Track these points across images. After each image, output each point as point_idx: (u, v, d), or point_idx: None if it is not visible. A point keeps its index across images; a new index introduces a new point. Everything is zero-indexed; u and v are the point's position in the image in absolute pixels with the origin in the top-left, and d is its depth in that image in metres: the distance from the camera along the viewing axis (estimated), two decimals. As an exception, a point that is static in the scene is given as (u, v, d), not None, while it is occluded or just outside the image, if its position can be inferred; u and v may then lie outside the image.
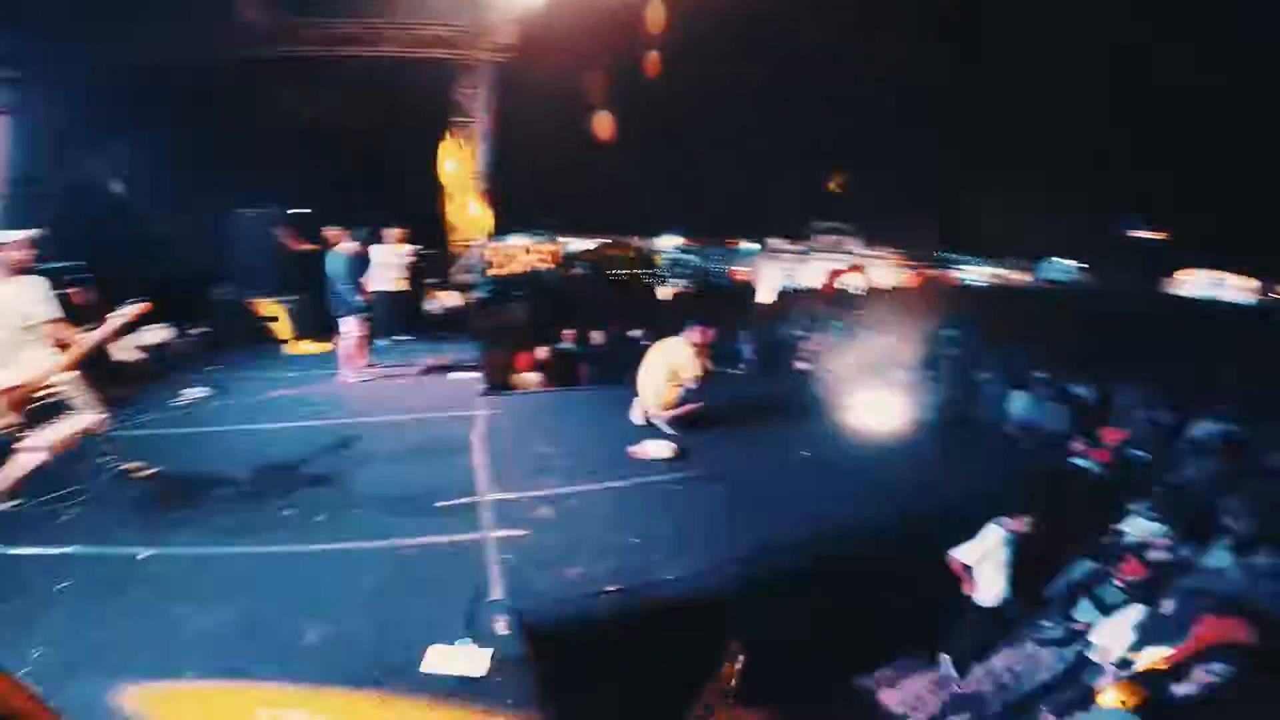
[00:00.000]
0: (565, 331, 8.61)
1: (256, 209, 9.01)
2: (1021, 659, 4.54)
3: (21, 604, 2.81)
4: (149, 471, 4.10)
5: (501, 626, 2.77)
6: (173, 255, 9.27)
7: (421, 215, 9.95)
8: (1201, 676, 2.88)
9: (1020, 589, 4.32)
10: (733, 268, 25.68)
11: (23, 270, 3.65)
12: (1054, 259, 30.18)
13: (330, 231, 8.14)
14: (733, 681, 3.31)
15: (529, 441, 5.04)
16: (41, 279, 3.76)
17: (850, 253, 26.17)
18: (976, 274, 28.62)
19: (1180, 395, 7.36)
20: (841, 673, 4.23)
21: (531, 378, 7.65)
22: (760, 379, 8.49)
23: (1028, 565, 4.32)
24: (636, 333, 9.32)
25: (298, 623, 2.73)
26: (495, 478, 4.27)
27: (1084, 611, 4.50)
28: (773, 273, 25.34)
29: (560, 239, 22.90)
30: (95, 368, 6.38)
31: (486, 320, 10.19)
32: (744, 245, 25.93)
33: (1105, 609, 4.17)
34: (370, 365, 7.04)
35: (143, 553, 3.23)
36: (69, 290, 6.99)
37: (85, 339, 3.91)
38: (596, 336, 8.81)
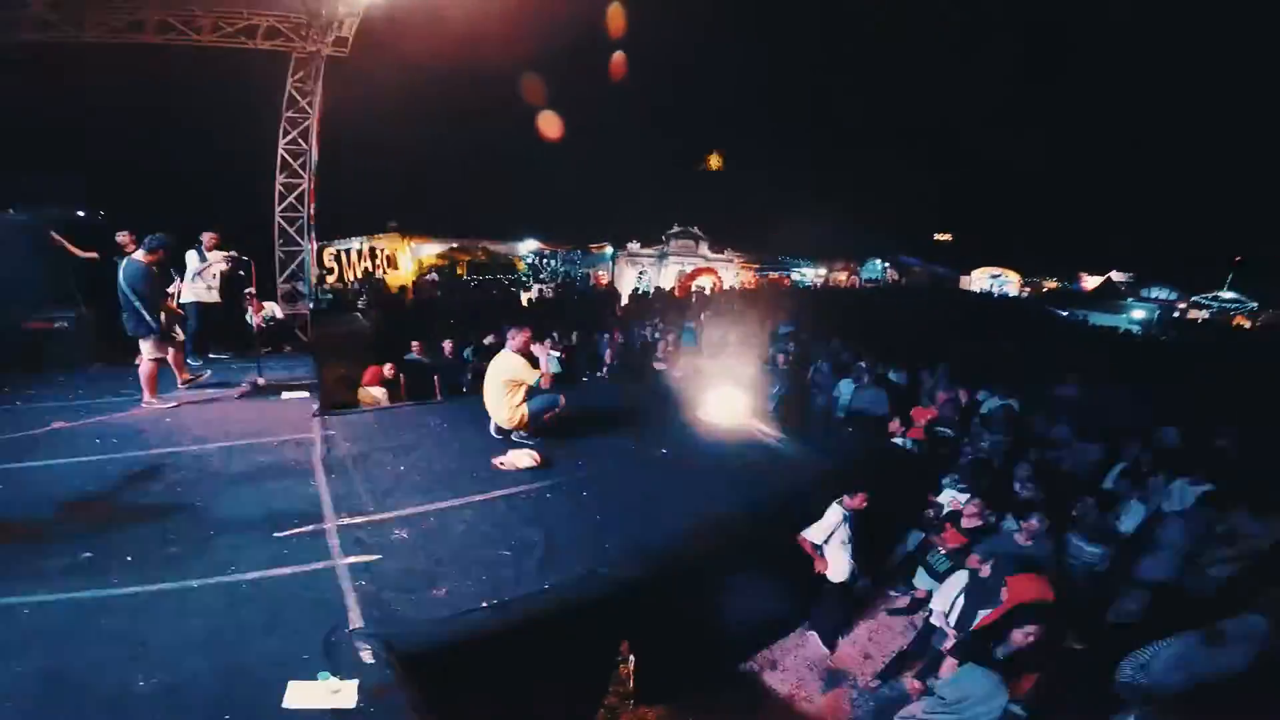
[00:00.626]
0: (414, 343, 8.17)
1: (22, 212, 7.55)
2: (878, 628, 5.07)
3: None
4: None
5: (366, 655, 2.59)
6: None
7: (247, 217, 8.96)
8: (1019, 638, 3.31)
9: (864, 563, 4.80)
10: (596, 271, 25.89)
11: None
12: (872, 260, 34.15)
13: (122, 237, 7.04)
14: (630, 683, 3.36)
15: (379, 461, 4.73)
16: None
17: (702, 256, 27.53)
18: (808, 275, 31.51)
19: (973, 376, 8.68)
20: (726, 660, 4.45)
21: (377, 393, 7.16)
22: (620, 381, 8.67)
23: (869, 541, 4.82)
24: (494, 341, 9.11)
25: (123, 674, 2.36)
26: (341, 502, 3.95)
27: (921, 579, 5.12)
28: (631, 276, 25.97)
29: (407, 243, 21.63)
30: None
31: (322, 333, 9.39)
32: (606, 249, 26.23)
33: (937, 575, 4.75)
34: (188, 383, 6.20)
35: None
36: None
37: None
38: (448, 346, 8.46)
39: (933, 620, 4.34)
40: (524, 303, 19.23)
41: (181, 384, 6.17)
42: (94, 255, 7.28)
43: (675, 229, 27.03)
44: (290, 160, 9.10)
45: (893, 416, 7.56)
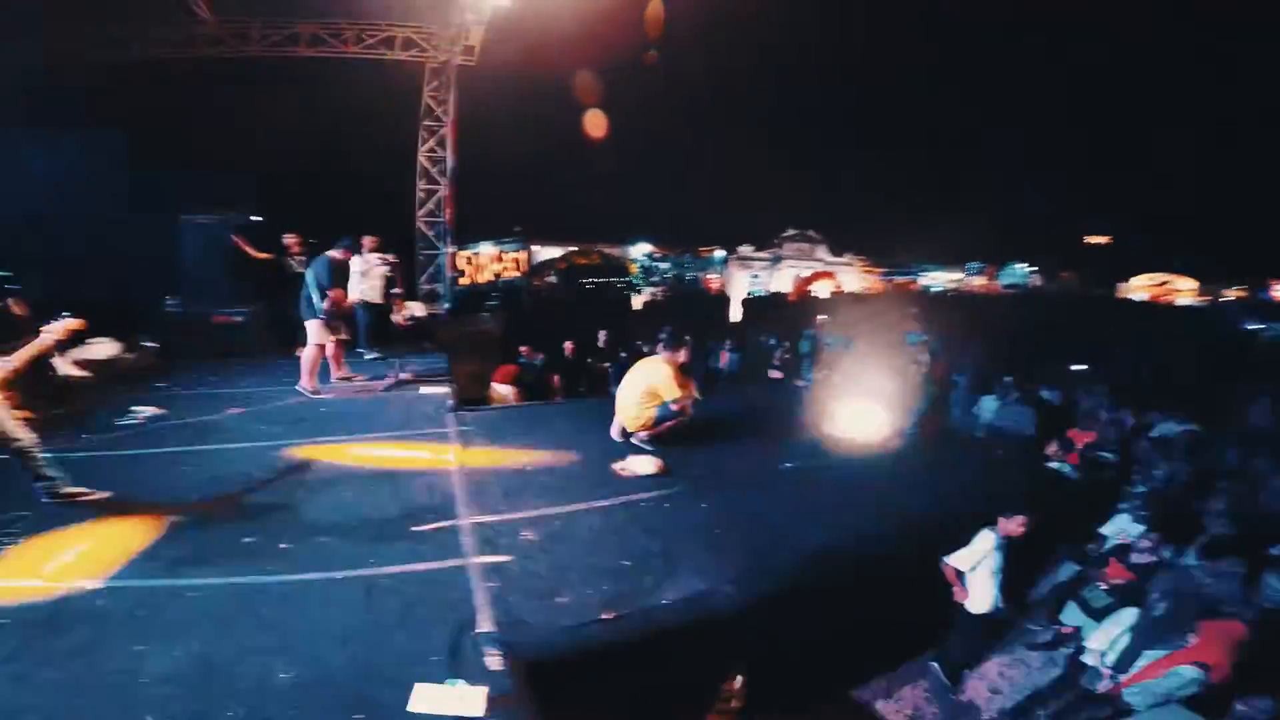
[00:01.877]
0: (523, 347, 8.42)
1: (210, 216, 8.63)
2: (1013, 665, 4.54)
3: None
4: (96, 496, 3.81)
5: (492, 661, 2.60)
6: (122, 266, 8.80)
7: (388, 221, 9.68)
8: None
9: (1010, 594, 4.31)
10: (706, 275, 25.69)
11: None
12: (1014, 264, 31.14)
13: (289, 238, 7.85)
14: (734, 702, 3.19)
15: (506, 460, 4.86)
16: None
17: (820, 260, 26.51)
18: (939, 280, 29.33)
19: (1138, 397, 7.58)
20: (839, 686, 4.15)
21: (506, 391, 7.44)
22: (737, 388, 8.44)
23: (1016, 570, 4.32)
24: (609, 343, 9.21)
25: (266, 662, 2.49)
26: (474, 499, 4.06)
27: (1070, 615, 4.52)
28: (743, 280, 25.53)
29: (530, 247, 22.59)
30: (37, 385, 6.05)
31: (456, 332, 9.94)
32: (716, 253, 25.96)
33: (1092, 612, 4.20)
34: (345, 379, 6.76)
35: (92, 583, 2.94)
36: (7, 301, 6.58)
37: (14, 358, 3.63)
38: (569, 348, 8.65)
39: (1085, 659, 3.89)
40: (636, 306, 19.43)
41: (336, 378, 6.73)
42: (268, 256, 8.18)
43: (790, 232, 26.22)
44: (429, 167, 9.73)
45: (1041, 437, 6.76)
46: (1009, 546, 4.10)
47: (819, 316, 14.92)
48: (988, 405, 7.65)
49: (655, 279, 24.58)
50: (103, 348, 7.59)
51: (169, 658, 2.51)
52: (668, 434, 5.20)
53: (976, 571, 4.12)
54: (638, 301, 20.33)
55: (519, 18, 9.07)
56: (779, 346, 9.86)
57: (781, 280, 25.64)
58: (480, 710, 2.30)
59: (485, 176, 11.26)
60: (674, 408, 5.12)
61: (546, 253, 23.27)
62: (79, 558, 3.20)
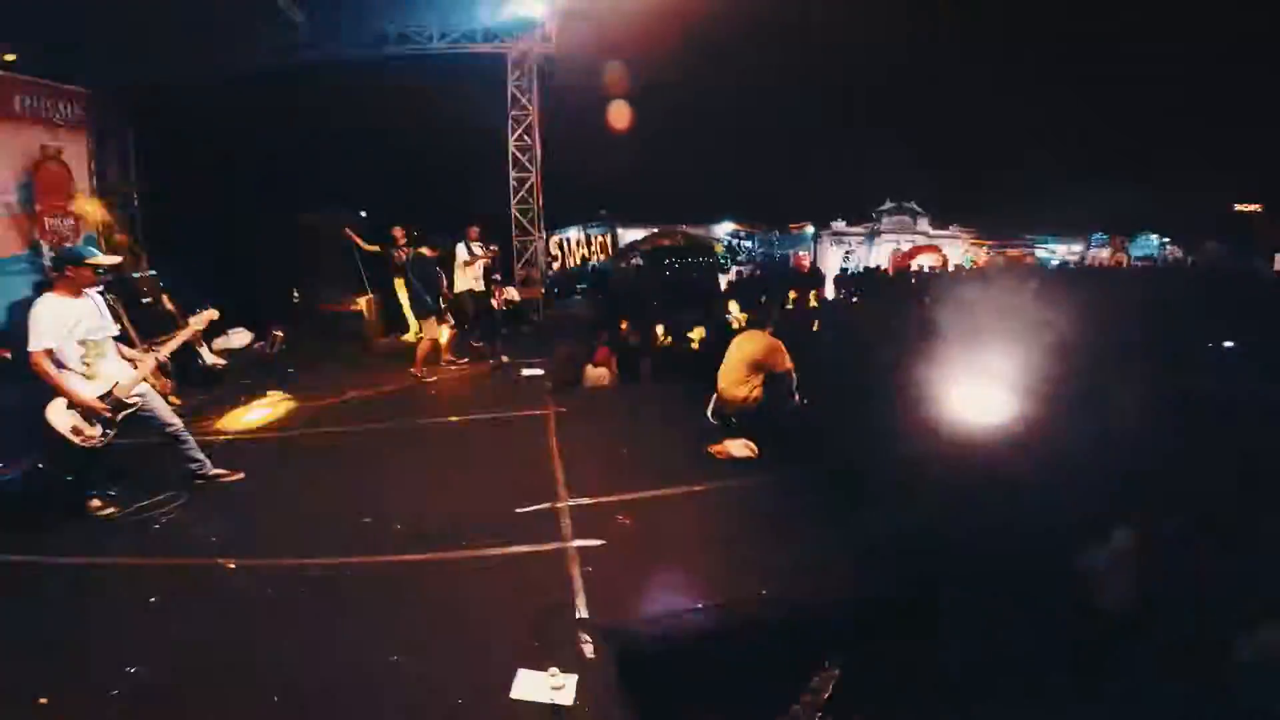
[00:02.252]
0: (627, 325, 8.44)
1: (327, 212, 9.25)
2: None
3: (109, 618, 2.80)
4: (235, 475, 4.18)
5: (587, 648, 2.60)
6: (255, 261, 9.62)
7: (483, 210, 9.98)
8: None
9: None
10: (796, 252, 24.78)
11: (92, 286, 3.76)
12: (1146, 234, 27.81)
13: (395, 231, 8.29)
14: (824, 696, 3.05)
15: (603, 442, 4.88)
16: (99, 295, 3.86)
17: (922, 233, 24.89)
18: (1057, 252, 26.73)
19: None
20: (955, 705, 3.86)
21: (600, 373, 7.51)
22: (846, 367, 8.04)
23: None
24: (697, 323, 9.09)
25: (374, 642, 2.60)
26: (571, 481, 4.11)
27: None
28: (835, 256, 24.43)
29: (615, 229, 22.71)
30: (186, 371, 6.76)
31: (551, 316, 10.16)
32: (806, 229, 24.96)
33: None
34: (451, 363, 7.09)
35: (231, 563, 3.23)
36: (161, 296, 7.37)
37: (163, 348, 4.01)
38: (659, 329, 8.62)
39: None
40: (723, 285, 19.10)
41: (444, 362, 7.08)
42: (376, 249, 8.67)
43: (888, 204, 24.74)
44: (519, 155, 9.93)
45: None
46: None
47: (923, 291, 14.04)
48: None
49: (742, 257, 24.00)
50: (239, 337, 8.38)
51: (286, 636, 2.68)
52: (772, 415, 5.02)
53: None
54: (724, 281, 19.97)
55: (593, 3, 8.97)
56: (885, 321, 9.35)
57: (878, 255, 24.30)
58: (571, 699, 2.30)
59: (572, 162, 11.32)
60: (784, 379, 4.92)
61: (630, 235, 23.28)
62: (223, 534, 3.52)
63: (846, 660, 3.03)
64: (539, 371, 6.80)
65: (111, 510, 3.70)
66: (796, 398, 5.08)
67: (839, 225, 24.86)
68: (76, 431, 3.50)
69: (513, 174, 9.94)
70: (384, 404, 6.02)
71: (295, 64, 8.98)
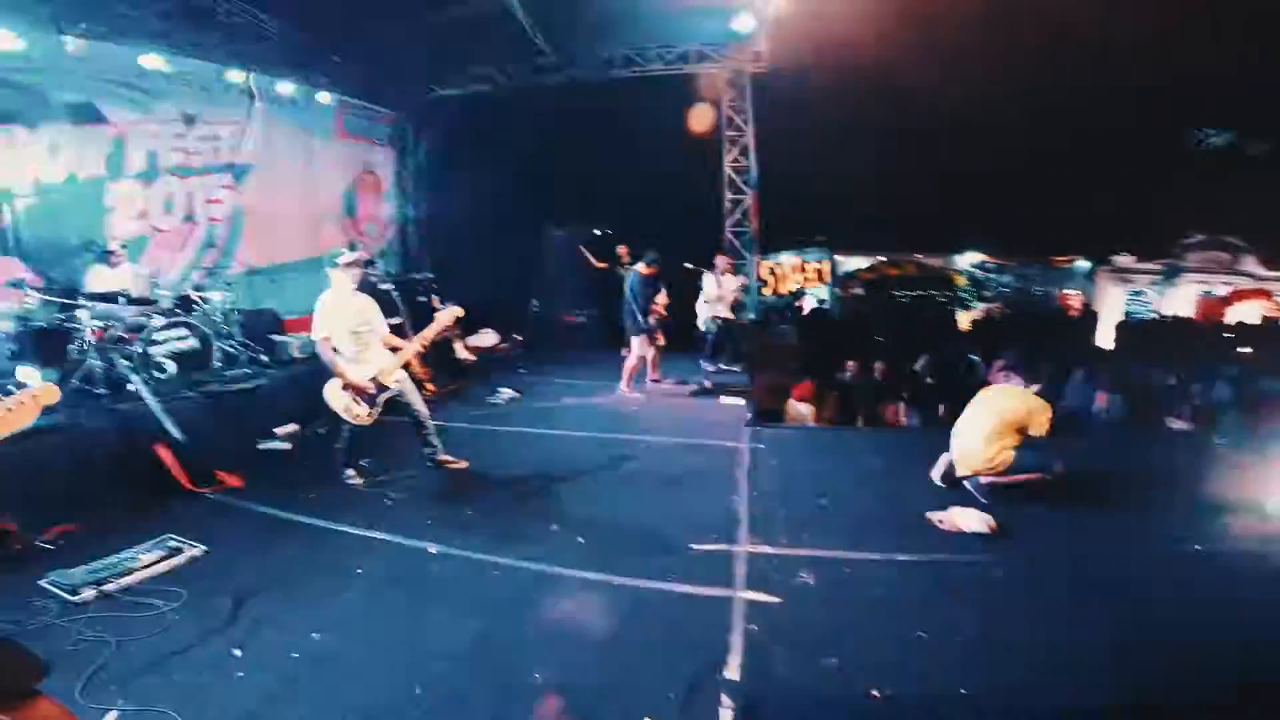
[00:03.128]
0: (847, 361, 7.81)
1: (568, 228, 10.19)
2: None
3: (325, 581, 3.25)
4: (459, 464, 4.68)
5: (726, 714, 2.32)
6: (507, 269, 10.96)
7: (699, 230, 10.12)
8: None
9: None
10: (1063, 291, 21.02)
11: (361, 285, 4.46)
12: None
13: (622, 249, 8.80)
14: None
15: (798, 487, 4.49)
16: (367, 294, 4.54)
17: (1245, 274, 19.52)
18: None
19: None
20: None
21: (803, 409, 7.07)
22: (1115, 438, 6.50)
23: None
24: (926, 366, 8.08)
25: (529, 655, 2.65)
26: (757, 525, 3.84)
27: None
28: (1118, 298, 20.16)
29: (833, 256, 21.50)
30: (441, 364, 7.90)
31: (757, 343, 9.89)
32: (1078, 263, 21.07)
33: None
34: (656, 381, 7.27)
35: (433, 548, 3.57)
36: (429, 298, 8.74)
37: (415, 341, 4.64)
38: (880, 368, 7.83)
39: None
40: (964, 325, 16.92)
41: (650, 380, 7.28)
42: (605, 265, 9.29)
43: (1197, 237, 19.73)
44: (734, 177, 9.89)
45: None
46: None
47: (1244, 350, 10.88)
48: None
49: (989, 293, 21.09)
50: (486, 337, 9.57)
51: (459, 631, 2.83)
52: (1022, 487, 4.17)
53: None
54: (965, 319, 17.70)
55: (807, 18, 8.53)
56: (1183, 388, 7.36)
57: (1179, 300, 19.50)
58: None
59: (788, 184, 10.92)
60: (1035, 445, 4.14)
61: (852, 263, 21.87)
62: (435, 518, 3.94)
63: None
64: (739, 401, 6.59)
65: (359, 481, 4.40)
66: (1052, 470, 4.16)
67: (1125, 260, 20.50)
68: (347, 409, 4.20)
69: (728, 195, 9.94)
70: (591, 414, 6.35)
71: (541, 86, 10.05)
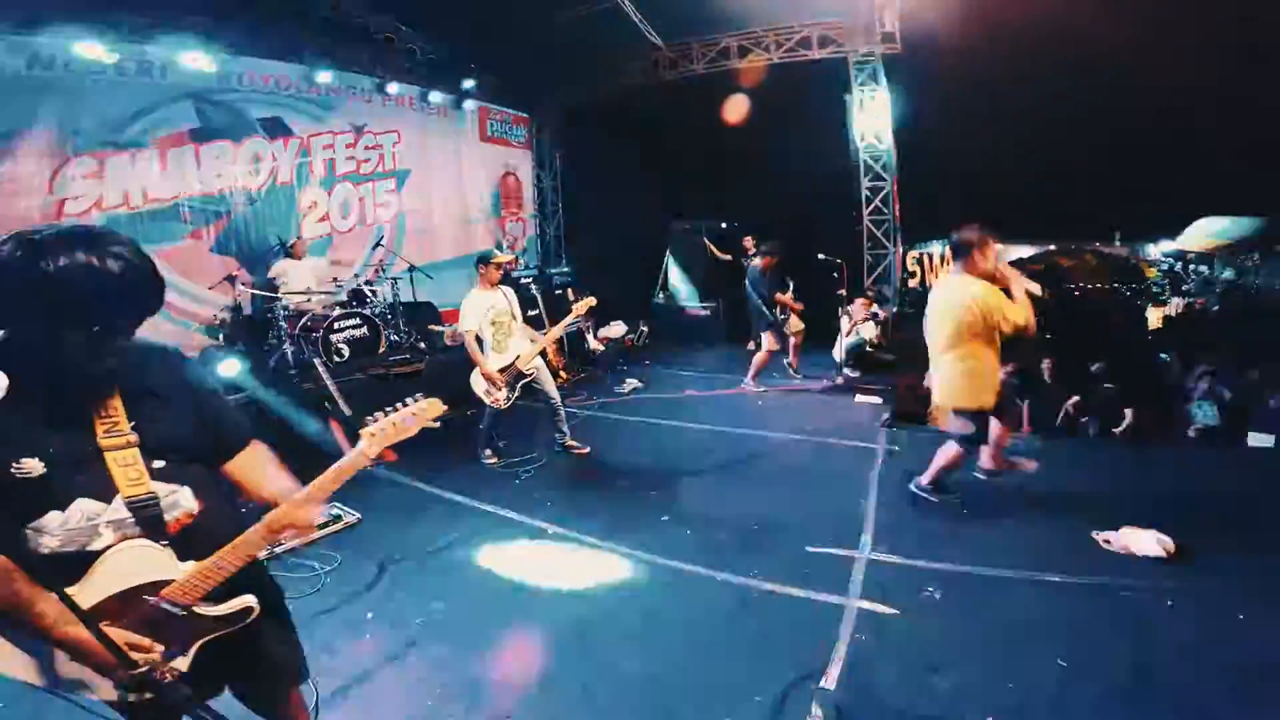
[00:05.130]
0: (1009, 364, 7.01)
1: (691, 222, 10.19)
2: None
3: (454, 553, 3.53)
4: (584, 450, 4.88)
5: None
6: (636, 262, 11.20)
7: (831, 222, 9.63)
8: None
9: None
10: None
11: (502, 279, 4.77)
12: None
13: (747, 241, 8.62)
14: None
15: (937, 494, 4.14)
16: (509, 288, 4.84)
17: None
18: None
19: None
20: None
21: (950, 411, 6.47)
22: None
23: None
24: (1104, 367, 7.08)
25: (619, 647, 2.69)
26: (883, 532, 3.59)
27: None
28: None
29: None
30: (574, 353, 8.27)
31: (902, 338, 9.22)
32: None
33: None
34: (794, 371, 7.07)
35: (550, 529, 3.75)
36: (565, 290, 9.16)
37: (554, 329, 4.88)
38: (1047, 368, 6.98)
39: None
40: (1155, 320, 14.57)
41: (793, 373, 7.15)
42: (728, 257, 9.16)
43: None
44: (872, 163, 9.25)
45: None
46: None
47: None
48: None
49: (1189, 286, 17.94)
50: (616, 329, 9.85)
51: (561, 612, 2.94)
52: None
53: None
54: (1156, 315, 15.23)
55: None
56: None
57: None
58: None
59: (936, 169, 9.99)
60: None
61: (1015, 252, 19.58)
62: (555, 501, 4.14)
63: None
64: (877, 400, 6.19)
65: (494, 460, 4.74)
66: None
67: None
68: (487, 393, 4.55)
69: (865, 182, 9.33)
70: (714, 407, 6.31)
71: (659, 83, 10.06)
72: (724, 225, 9.99)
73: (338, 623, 2.89)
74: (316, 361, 5.67)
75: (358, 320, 6.51)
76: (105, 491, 1.20)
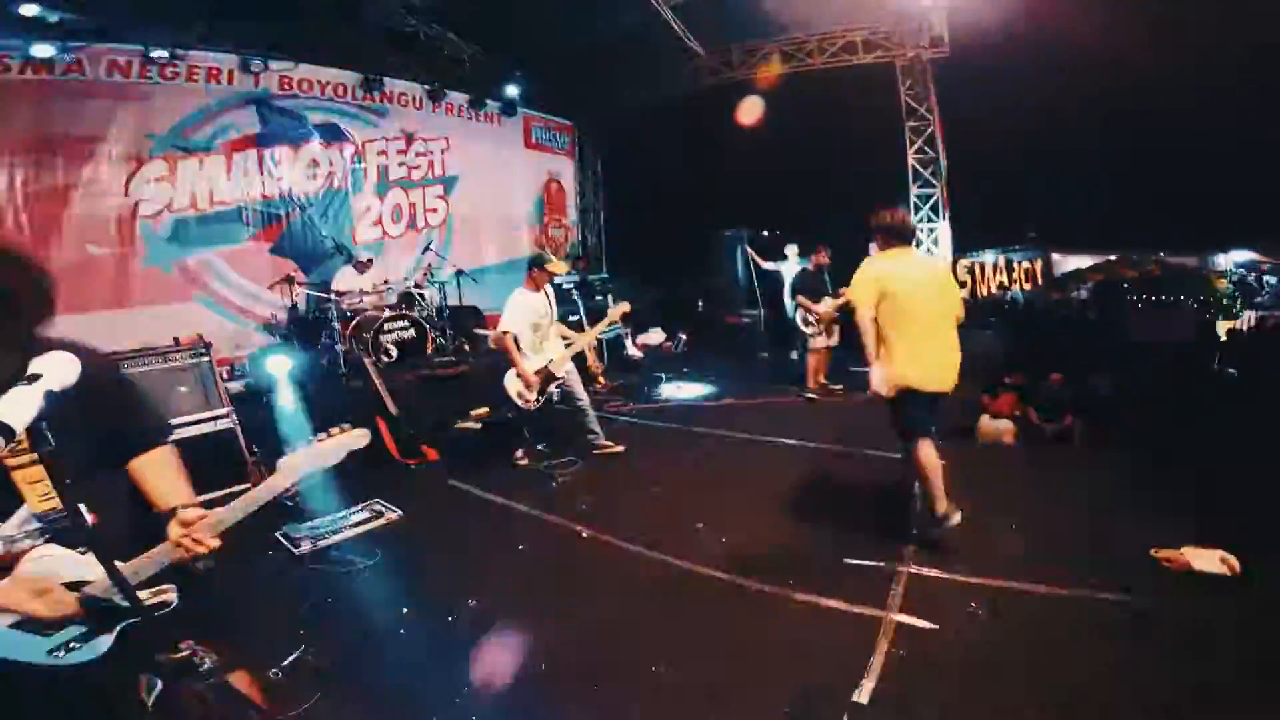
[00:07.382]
0: (1053, 374, 6.73)
1: (732, 230, 10.14)
2: None
3: (491, 553, 3.60)
4: (617, 449, 4.94)
5: None
6: (676, 270, 11.20)
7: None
8: None
9: None
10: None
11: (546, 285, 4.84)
12: None
13: (789, 249, 8.52)
14: None
15: (984, 507, 3.99)
16: (562, 289, 4.93)
17: None
18: None
19: None
20: None
21: (1002, 426, 6.22)
22: None
23: None
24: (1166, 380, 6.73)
25: (650, 653, 2.66)
26: (925, 545, 3.48)
27: None
28: None
29: (1049, 254, 18.63)
30: (613, 359, 8.32)
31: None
32: None
33: None
34: (829, 387, 6.96)
35: (585, 532, 3.78)
36: (605, 296, 9.23)
37: (588, 334, 4.93)
38: (1102, 381, 6.68)
39: None
40: (1222, 334, 13.76)
41: (817, 383, 7.00)
42: (773, 266, 9.06)
43: None
44: (921, 169, 9.05)
45: None
46: None
47: None
48: None
49: (1264, 299, 16.87)
50: (655, 335, 9.88)
51: (592, 615, 2.96)
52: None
53: None
54: (1226, 328, 14.37)
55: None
56: None
57: None
58: None
59: (988, 176, 9.69)
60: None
61: (1073, 262, 18.78)
62: (590, 504, 4.16)
63: None
64: (924, 412, 6.02)
65: (525, 461, 4.82)
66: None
67: None
68: (520, 395, 4.63)
69: (914, 190, 9.13)
70: (754, 415, 6.23)
71: (700, 90, 10.05)
72: (765, 233, 9.91)
73: (374, 617, 2.97)
74: (366, 361, 5.86)
75: (406, 323, 6.70)
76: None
